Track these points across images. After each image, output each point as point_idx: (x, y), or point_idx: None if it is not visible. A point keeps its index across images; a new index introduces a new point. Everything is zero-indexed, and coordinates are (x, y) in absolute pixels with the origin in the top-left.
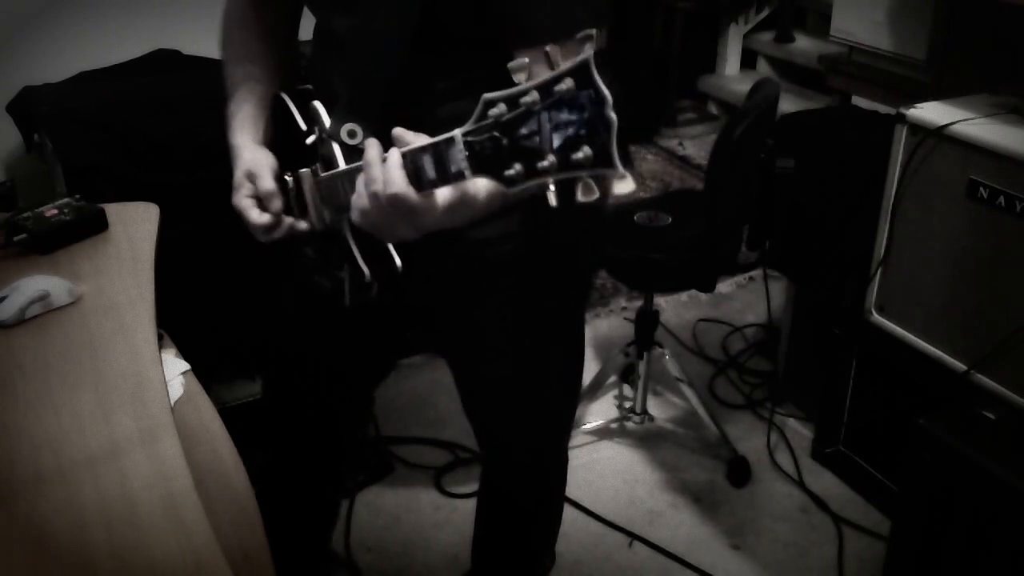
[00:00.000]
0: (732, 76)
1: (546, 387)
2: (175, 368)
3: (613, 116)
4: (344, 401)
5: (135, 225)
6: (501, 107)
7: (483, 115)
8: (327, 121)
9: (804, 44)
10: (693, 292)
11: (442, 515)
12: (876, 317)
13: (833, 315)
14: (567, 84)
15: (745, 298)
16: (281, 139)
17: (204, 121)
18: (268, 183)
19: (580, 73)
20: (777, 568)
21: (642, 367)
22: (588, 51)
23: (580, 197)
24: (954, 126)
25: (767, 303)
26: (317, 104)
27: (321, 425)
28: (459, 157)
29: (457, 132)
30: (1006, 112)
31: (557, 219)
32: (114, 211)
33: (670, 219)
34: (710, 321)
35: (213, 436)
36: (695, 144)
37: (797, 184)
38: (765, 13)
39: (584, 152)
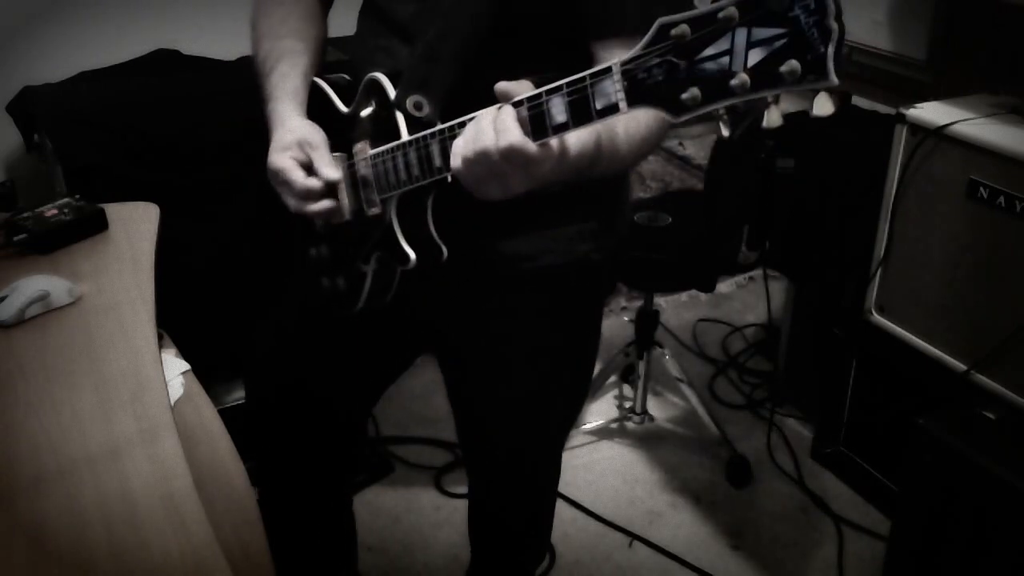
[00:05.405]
0: None
1: (552, 408)
2: (175, 368)
3: (834, 25)
4: (345, 414)
5: (135, 225)
6: (683, 28)
7: (657, 39)
8: (391, 92)
9: None
10: (693, 292)
11: (442, 515)
12: (876, 317)
13: (833, 315)
14: None
15: (745, 298)
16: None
17: (204, 121)
18: (326, 154)
19: None
20: (777, 568)
21: (642, 367)
22: None
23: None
24: (954, 126)
25: (767, 303)
26: (381, 76)
27: (324, 436)
28: (611, 90)
29: (615, 62)
30: (1006, 112)
31: (589, 235)
32: (114, 211)
33: (670, 219)
34: (710, 321)
35: (213, 436)
36: (695, 144)
37: (797, 184)
38: None
39: (789, 65)
